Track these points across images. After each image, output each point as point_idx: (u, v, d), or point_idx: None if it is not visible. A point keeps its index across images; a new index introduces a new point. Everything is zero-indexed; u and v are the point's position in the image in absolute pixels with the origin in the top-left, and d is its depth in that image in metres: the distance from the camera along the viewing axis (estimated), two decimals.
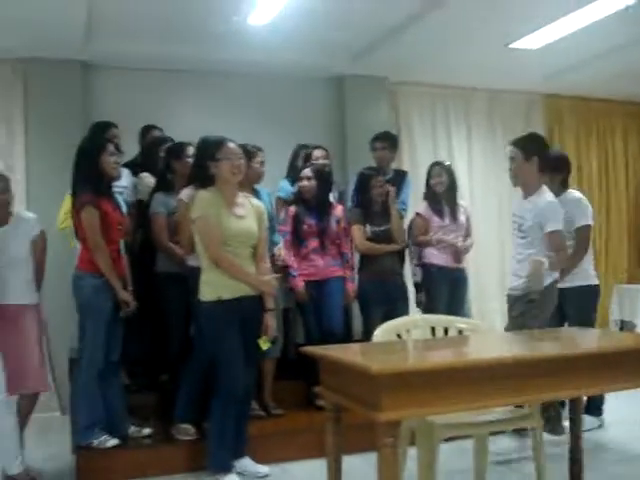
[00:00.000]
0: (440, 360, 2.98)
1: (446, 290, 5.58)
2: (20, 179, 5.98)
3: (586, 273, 5.01)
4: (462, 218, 5.82)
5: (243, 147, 4.27)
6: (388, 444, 2.58)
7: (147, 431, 4.54)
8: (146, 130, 5.63)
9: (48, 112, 6.23)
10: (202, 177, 4.08)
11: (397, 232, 5.42)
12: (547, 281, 4.37)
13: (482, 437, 3.65)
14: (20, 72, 6.38)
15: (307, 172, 5.19)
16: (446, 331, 3.73)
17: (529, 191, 4.49)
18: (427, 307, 5.50)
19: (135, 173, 5.23)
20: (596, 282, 5.08)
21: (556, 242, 4.35)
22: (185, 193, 4.49)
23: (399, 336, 3.61)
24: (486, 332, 3.85)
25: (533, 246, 4.38)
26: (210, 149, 4.06)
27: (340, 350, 3.17)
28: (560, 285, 4.62)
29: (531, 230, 4.39)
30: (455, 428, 3.27)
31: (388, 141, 5.96)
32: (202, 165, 4.08)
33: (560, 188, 4.94)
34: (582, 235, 4.89)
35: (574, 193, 5.06)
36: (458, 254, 5.70)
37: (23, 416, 4.34)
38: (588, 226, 4.92)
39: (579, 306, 4.93)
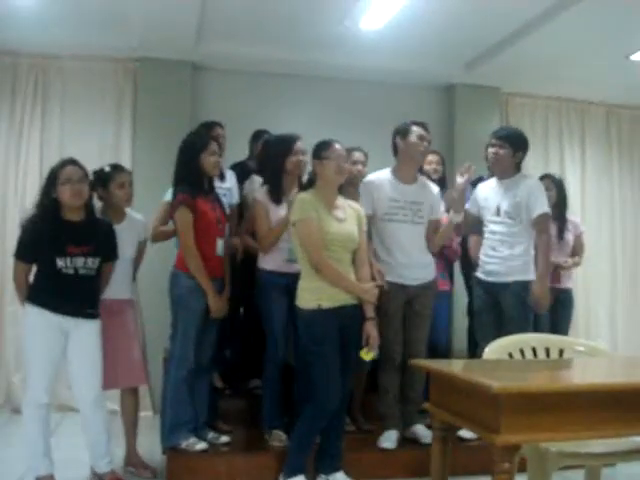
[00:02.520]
0: (569, 382, 2.75)
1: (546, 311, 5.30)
2: None
3: (530, 266, 4.53)
4: (569, 236, 5.54)
5: None
6: (505, 470, 2.40)
7: (225, 439, 4.40)
8: (258, 135, 5.57)
9: (157, 112, 6.31)
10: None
11: None
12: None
13: (595, 469, 3.40)
14: (131, 71, 6.51)
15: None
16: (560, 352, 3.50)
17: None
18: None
19: (241, 175, 5.15)
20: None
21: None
22: (261, 193, 4.41)
23: (510, 355, 3.40)
24: (606, 355, 3.57)
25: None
26: (316, 148, 3.99)
27: (452, 366, 2.99)
28: (494, 279, 4.49)
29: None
30: (571, 457, 3.02)
31: None
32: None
33: (515, 169, 4.61)
34: (546, 223, 4.53)
35: (530, 177, 4.76)
36: (560, 273, 5.42)
37: (129, 414, 4.35)
38: (549, 214, 4.59)
39: (521, 305, 4.46)
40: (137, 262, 4.44)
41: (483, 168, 5.61)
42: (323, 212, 3.86)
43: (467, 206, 4.70)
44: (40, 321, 3.78)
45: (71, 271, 3.80)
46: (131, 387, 4.34)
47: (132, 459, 4.33)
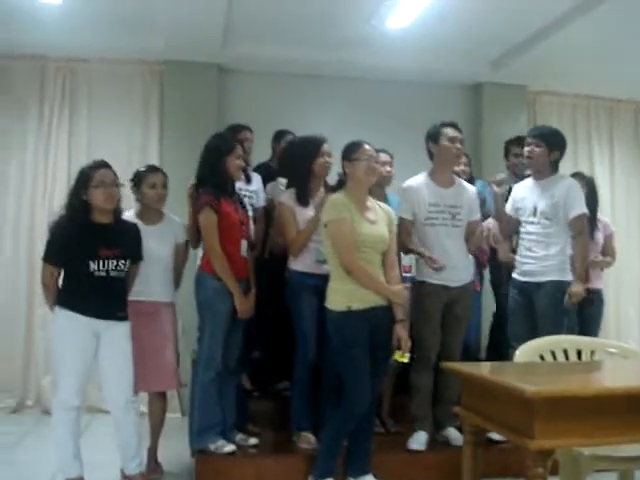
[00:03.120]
0: (603, 386, 2.71)
1: (573, 312, 5.22)
2: None
3: (566, 266, 4.49)
4: (599, 236, 5.46)
5: None
6: (538, 475, 2.37)
7: (253, 441, 4.39)
8: (279, 135, 5.56)
9: (183, 114, 6.34)
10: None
11: None
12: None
13: (628, 472, 3.35)
14: (157, 74, 6.54)
15: None
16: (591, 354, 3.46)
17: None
18: None
19: (266, 176, 5.14)
20: (571, 279, 4.49)
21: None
22: (286, 195, 4.39)
23: (542, 357, 3.36)
24: (638, 357, 3.51)
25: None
26: (346, 150, 3.97)
27: (484, 369, 2.96)
28: (529, 278, 4.47)
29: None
30: (604, 461, 2.99)
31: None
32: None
33: (552, 169, 4.56)
34: (583, 224, 4.50)
35: (568, 177, 4.70)
36: (589, 273, 5.30)
37: (156, 417, 4.37)
38: (587, 215, 4.56)
39: (555, 306, 4.43)
40: (178, 265, 4.42)
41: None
42: (355, 213, 3.84)
43: (510, 211, 4.67)
44: (71, 324, 3.77)
45: (103, 274, 3.79)
46: (161, 391, 4.36)
47: (149, 461, 4.33)
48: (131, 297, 4.06)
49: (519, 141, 5.45)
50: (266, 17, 5.77)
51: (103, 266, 3.79)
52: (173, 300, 4.40)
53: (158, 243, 4.20)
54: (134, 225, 4.10)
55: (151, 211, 4.32)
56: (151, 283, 4.19)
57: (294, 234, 4.30)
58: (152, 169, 4.45)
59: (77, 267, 3.79)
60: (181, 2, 5.25)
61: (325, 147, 4.37)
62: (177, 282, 4.45)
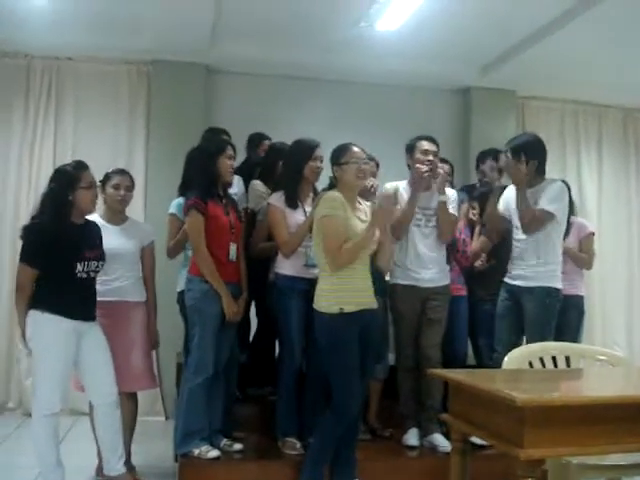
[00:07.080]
0: (595, 395, 2.66)
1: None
2: (139, 180, 5.96)
3: (557, 273, 4.45)
4: (571, 240, 5.34)
5: None
6: None
7: (238, 447, 4.30)
8: (257, 138, 5.52)
9: (170, 115, 6.32)
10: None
11: None
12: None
13: None
14: (144, 74, 6.50)
15: None
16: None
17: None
18: None
19: (245, 179, 5.09)
20: (561, 287, 4.45)
21: None
22: (275, 197, 4.34)
23: (530, 364, 3.33)
24: (627, 365, 3.50)
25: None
26: (335, 154, 3.95)
27: (473, 376, 2.92)
28: (520, 282, 4.42)
29: None
30: (593, 469, 2.96)
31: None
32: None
33: (538, 176, 4.46)
34: (542, 218, 4.37)
35: (556, 182, 4.54)
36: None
37: (126, 419, 4.24)
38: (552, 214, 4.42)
39: (544, 311, 4.39)
40: (146, 266, 4.38)
41: None
42: (349, 212, 3.83)
43: (502, 211, 4.62)
44: (56, 329, 3.69)
45: (85, 275, 3.77)
46: (129, 392, 4.26)
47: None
48: (98, 297, 3.98)
49: (488, 155, 5.39)
50: (255, 18, 5.74)
51: (87, 267, 3.76)
52: (143, 299, 4.33)
53: (123, 241, 4.18)
54: (96, 224, 4.06)
55: (115, 213, 4.30)
56: (117, 282, 4.16)
57: (285, 235, 4.24)
58: (119, 171, 4.42)
59: (62, 269, 3.73)
60: (169, 2, 5.21)
61: (318, 151, 4.34)
62: (150, 287, 4.39)
